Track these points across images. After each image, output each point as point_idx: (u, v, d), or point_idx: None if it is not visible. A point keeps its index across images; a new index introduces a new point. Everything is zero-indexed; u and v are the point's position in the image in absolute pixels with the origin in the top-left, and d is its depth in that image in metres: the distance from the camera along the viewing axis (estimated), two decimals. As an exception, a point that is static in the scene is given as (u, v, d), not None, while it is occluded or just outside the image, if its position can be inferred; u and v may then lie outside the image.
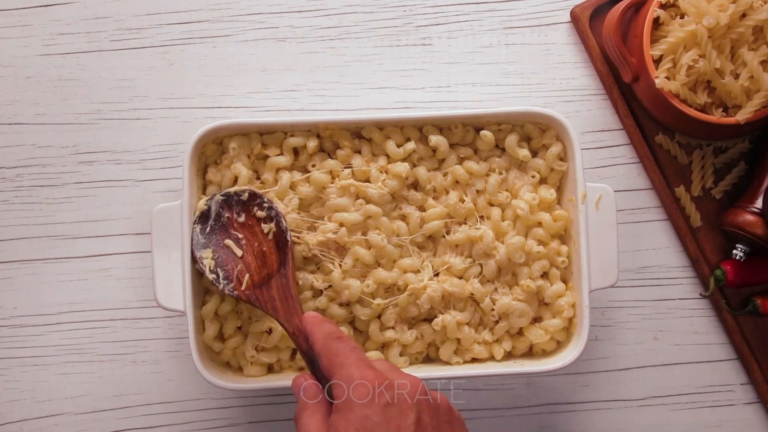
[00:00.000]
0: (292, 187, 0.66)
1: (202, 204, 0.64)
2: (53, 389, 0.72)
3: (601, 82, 0.73)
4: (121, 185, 0.73)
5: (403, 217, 0.67)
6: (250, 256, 0.63)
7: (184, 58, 0.73)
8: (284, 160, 0.66)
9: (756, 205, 0.68)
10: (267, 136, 0.67)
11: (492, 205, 0.67)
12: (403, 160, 0.67)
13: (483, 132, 0.66)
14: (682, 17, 0.65)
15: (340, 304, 0.66)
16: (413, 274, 0.66)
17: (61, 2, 0.73)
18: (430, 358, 0.68)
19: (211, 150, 0.66)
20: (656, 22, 0.66)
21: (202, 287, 0.66)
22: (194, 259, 0.63)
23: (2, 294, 0.73)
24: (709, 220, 0.73)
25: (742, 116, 0.64)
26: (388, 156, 0.67)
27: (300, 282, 0.66)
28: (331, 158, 0.67)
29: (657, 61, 0.65)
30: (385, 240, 0.65)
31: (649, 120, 0.73)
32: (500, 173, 0.67)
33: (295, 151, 0.67)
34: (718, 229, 0.72)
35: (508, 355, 0.67)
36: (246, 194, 0.64)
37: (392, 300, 0.66)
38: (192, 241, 0.63)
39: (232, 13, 0.73)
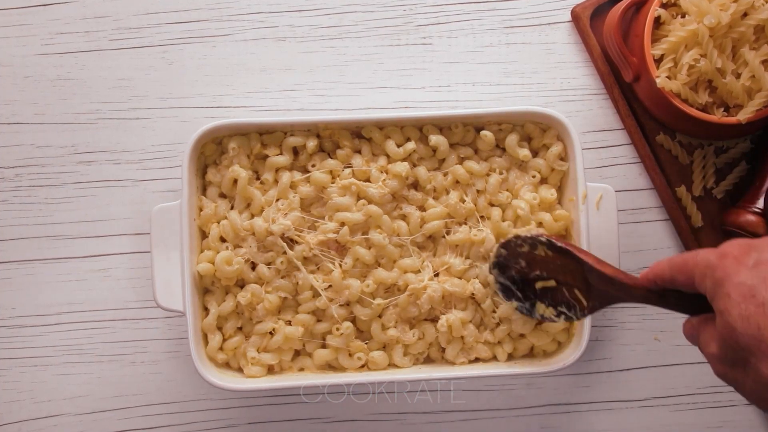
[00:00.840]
0: (293, 186, 0.66)
1: (492, 283, 0.65)
2: (52, 390, 0.72)
3: (602, 82, 0.73)
4: (120, 185, 0.73)
5: (404, 217, 0.67)
6: (560, 275, 0.60)
7: (184, 57, 0.73)
8: (284, 159, 0.66)
9: (757, 205, 0.68)
10: (266, 135, 0.66)
11: (492, 205, 0.67)
12: (403, 159, 0.66)
13: (483, 132, 0.66)
14: (683, 16, 0.64)
15: (341, 305, 0.66)
16: (413, 274, 0.66)
17: (60, 1, 0.73)
18: (430, 358, 0.68)
19: (211, 150, 0.66)
20: (657, 22, 0.65)
21: (201, 287, 0.66)
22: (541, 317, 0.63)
23: (1, 294, 0.72)
24: (711, 220, 0.72)
25: (743, 116, 0.64)
26: (388, 156, 0.67)
27: (300, 282, 0.66)
28: (330, 158, 0.67)
29: (658, 61, 0.65)
30: (386, 239, 0.65)
31: (650, 120, 0.72)
32: (501, 173, 0.67)
33: (295, 151, 0.67)
34: (719, 229, 0.72)
35: (509, 356, 0.67)
36: (502, 251, 0.63)
37: (392, 300, 0.66)
38: (522, 313, 0.64)
39: (232, 13, 0.73)
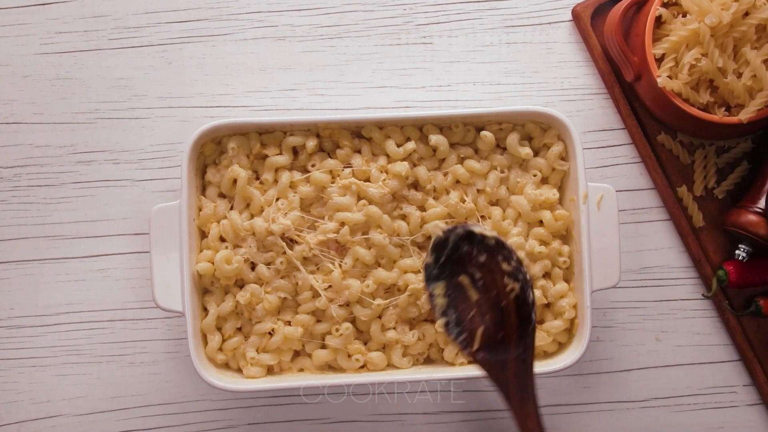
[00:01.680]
0: (292, 186, 0.66)
1: (439, 232, 0.56)
2: (51, 390, 0.72)
3: (603, 81, 0.73)
4: (120, 185, 0.72)
5: (404, 217, 0.67)
6: (486, 306, 0.53)
7: (183, 57, 0.73)
8: (283, 159, 0.66)
9: (759, 205, 0.68)
10: (266, 135, 0.66)
11: (493, 204, 0.67)
12: (403, 159, 0.66)
13: (483, 132, 0.66)
14: (684, 16, 0.64)
15: (340, 305, 0.65)
16: (413, 275, 0.65)
17: (59, 0, 0.73)
18: (430, 358, 0.68)
19: (210, 149, 0.66)
20: (658, 21, 0.65)
21: (200, 287, 0.66)
22: (429, 295, 0.56)
23: (0, 294, 0.72)
24: (712, 220, 0.72)
25: (744, 115, 0.63)
26: (388, 156, 0.66)
27: (300, 282, 0.65)
28: (330, 158, 0.67)
29: (659, 60, 0.65)
30: (386, 239, 0.65)
31: (651, 119, 0.72)
32: (502, 171, 0.67)
33: (295, 151, 0.67)
34: (720, 229, 0.72)
35: (509, 356, 0.67)
36: (493, 241, 0.55)
37: (392, 300, 0.65)
38: (424, 272, 0.56)
39: (231, 12, 0.73)
